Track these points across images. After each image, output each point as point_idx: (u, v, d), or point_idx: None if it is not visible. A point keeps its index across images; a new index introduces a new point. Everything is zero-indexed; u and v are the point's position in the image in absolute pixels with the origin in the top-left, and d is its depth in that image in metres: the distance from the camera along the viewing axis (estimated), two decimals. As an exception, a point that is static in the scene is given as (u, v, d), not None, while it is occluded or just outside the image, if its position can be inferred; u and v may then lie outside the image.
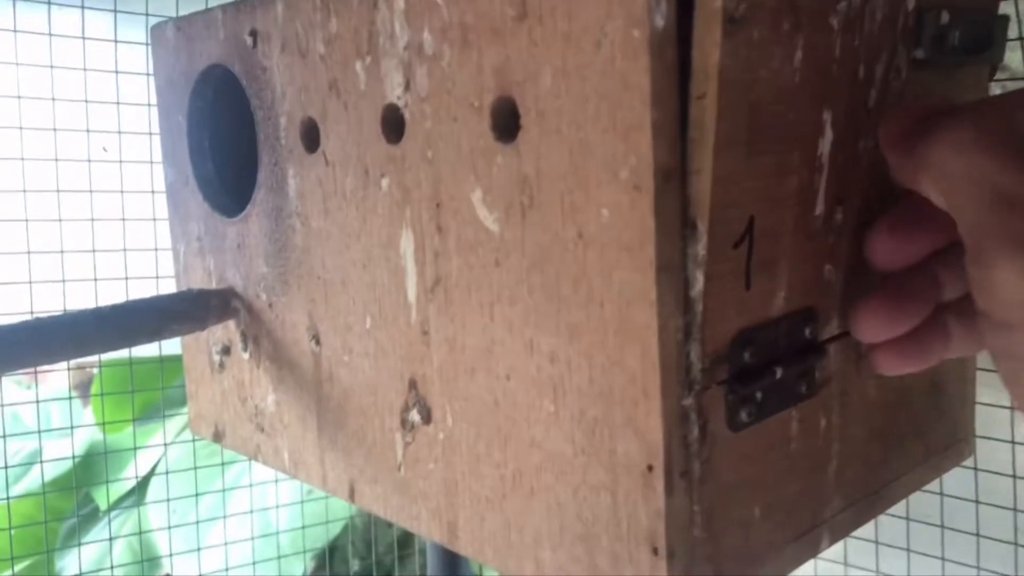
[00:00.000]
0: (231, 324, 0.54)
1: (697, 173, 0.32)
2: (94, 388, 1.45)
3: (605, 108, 0.32)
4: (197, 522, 1.12)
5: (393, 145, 0.41)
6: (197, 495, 1.15)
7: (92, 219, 0.73)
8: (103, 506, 1.33)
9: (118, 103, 0.73)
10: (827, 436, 0.40)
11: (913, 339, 0.37)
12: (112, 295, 0.76)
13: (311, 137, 0.46)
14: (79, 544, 1.25)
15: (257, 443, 0.54)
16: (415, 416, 0.43)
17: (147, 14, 0.72)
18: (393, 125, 0.41)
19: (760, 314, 0.35)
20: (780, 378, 0.36)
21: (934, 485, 0.81)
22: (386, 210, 0.42)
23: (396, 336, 0.43)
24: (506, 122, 0.36)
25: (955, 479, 0.70)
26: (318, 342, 0.48)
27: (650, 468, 0.33)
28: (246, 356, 0.53)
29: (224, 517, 1.20)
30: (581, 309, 0.34)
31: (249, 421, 0.54)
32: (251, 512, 1.21)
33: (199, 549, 1.16)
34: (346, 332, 0.46)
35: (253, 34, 0.48)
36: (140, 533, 1.23)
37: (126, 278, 0.74)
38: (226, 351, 0.55)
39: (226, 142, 0.55)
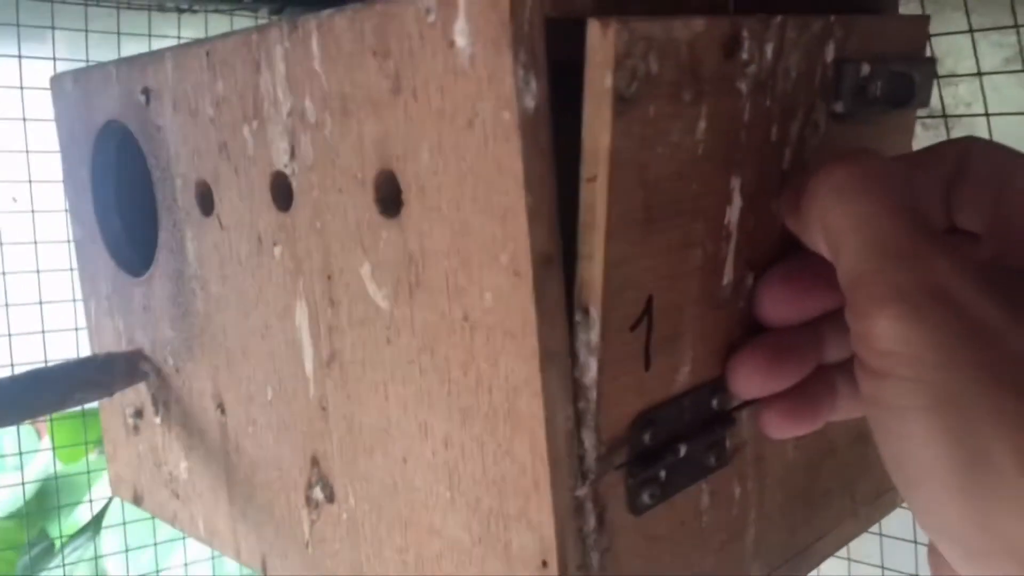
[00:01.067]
0: (142, 387, 0.52)
1: (588, 258, 0.30)
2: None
3: (481, 189, 0.30)
4: (155, 544, 1.10)
5: (283, 213, 0.39)
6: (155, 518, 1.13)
7: (3, 272, 0.71)
8: (58, 536, 1.31)
9: (27, 151, 0.71)
10: (743, 504, 0.39)
11: (797, 398, 0.35)
12: (28, 350, 0.74)
13: (206, 200, 0.44)
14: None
15: (174, 509, 0.52)
16: (319, 494, 0.41)
17: (54, 58, 0.70)
18: (282, 192, 0.39)
19: (661, 392, 0.34)
20: (685, 455, 0.34)
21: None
22: (280, 279, 0.40)
23: (296, 410, 0.41)
24: (389, 196, 0.34)
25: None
26: (223, 411, 0.46)
27: (544, 564, 0.31)
28: (158, 420, 0.51)
29: (184, 538, 1.17)
30: (471, 394, 0.33)
31: (165, 486, 0.52)
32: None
33: (158, 571, 1.14)
34: (249, 402, 0.44)
35: (146, 92, 0.46)
36: (96, 557, 1.20)
37: (43, 331, 0.71)
38: (139, 414, 0.53)
39: (133, 196, 0.53)
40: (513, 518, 0.32)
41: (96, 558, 1.28)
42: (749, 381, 0.35)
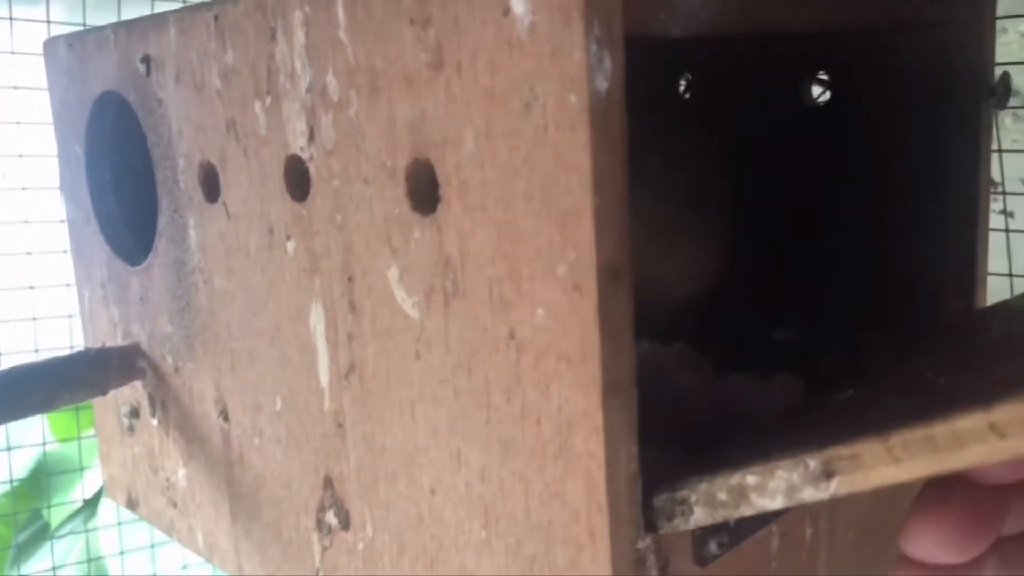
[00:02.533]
0: (139, 384, 0.47)
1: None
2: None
3: (537, 186, 0.25)
4: (152, 546, 1.06)
5: (299, 203, 0.34)
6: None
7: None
8: (53, 523, 1.27)
9: (17, 122, 0.66)
10: (813, 546, 0.34)
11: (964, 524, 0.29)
12: (17, 338, 0.69)
13: (211, 184, 0.39)
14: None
15: (171, 519, 0.48)
16: (332, 519, 0.36)
17: (48, 21, 0.65)
18: (297, 180, 0.34)
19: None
20: (758, 496, 0.30)
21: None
22: (294, 277, 0.35)
23: (309, 424, 0.36)
24: (424, 190, 0.29)
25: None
26: (226, 418, 0.41)
27: (598, 626, 0.27)
28: (155, 422, 0.47)
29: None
30: (515, 424, 0.28)
31: (162, 494, 0.48)
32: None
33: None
34: (255, 411, 0.39)
35: (146, 60, 0.41)
36: (89, 560, 1.17)
37: (34, 319, 0.67)
38: (134, 414, 0.49)
39: (131, 175, 0.48)
40: (562, 569, 0.28)
41: (87, 531, 1.24)
42: (932, 551, 0.28)
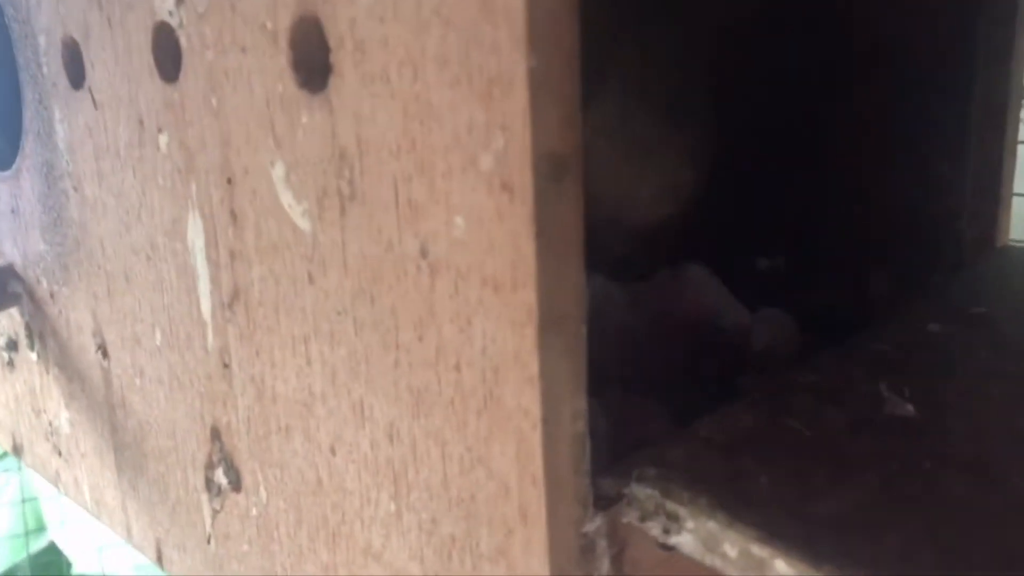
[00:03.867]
0: (16, 313, 0.40)
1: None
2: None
3: (455, 44, 0.18)
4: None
5: (169, 84, 0.27)
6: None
7: None
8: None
9: None
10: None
11: None
12: None
13: (75, 66, 0.31)
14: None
15: (56, 469, 0.41)
16: (221, 478, 0.30)
17: None
18: (168, 53, 0.27)
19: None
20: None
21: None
22: (168, 180, 0.28)
23: (192, 363, 0.30)
24: (312, 57, 0.22)
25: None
26: (105, 354, 0.34)
27: (532, 632, 0.20)
28: (34, 356, 0.40)
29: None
30: (429, 369, 0.21)
31: (46, 439, 0.41)
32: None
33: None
34: (135, 346, 0.32)
35: (-4, -89, 0.33)
36: (24, 500, 1.10)
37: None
38: (12, 346, 0.42)
39: (3, 63, 0.40)
40: (486, 557, 0.21)
41: (20, 470, 1.18)
42: None
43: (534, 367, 0.19)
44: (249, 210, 0.25)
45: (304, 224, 0.23)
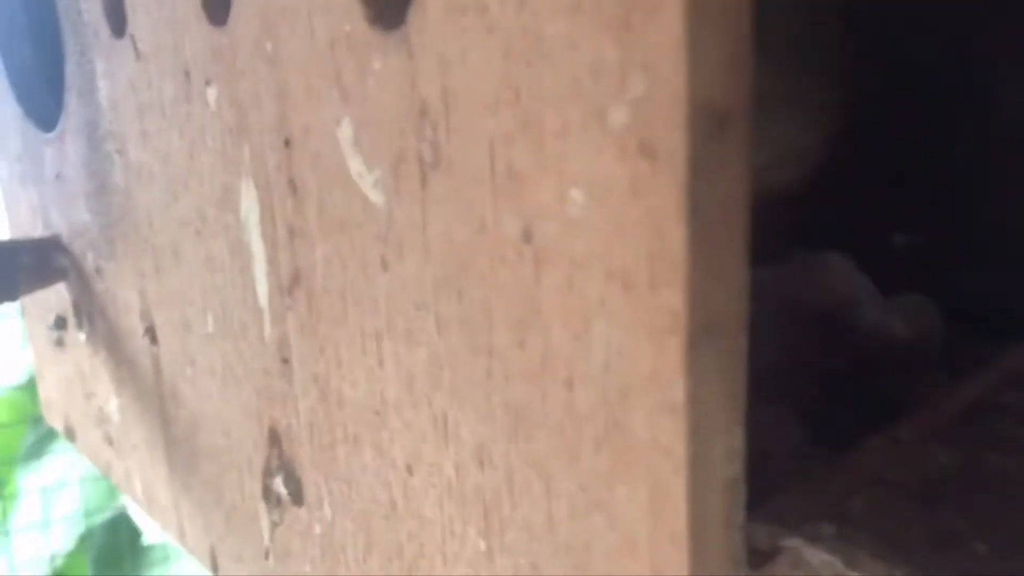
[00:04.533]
0: (63, 288, 0.37)
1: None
2: None
3: (576, -45, 0.14)
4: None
5: (218, 29, 0.23)
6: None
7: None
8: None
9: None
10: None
11: None
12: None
13: (117, 10, 0.27)
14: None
15: (107, 459, 0.38)
16: (281, 488, 0.26)
17: None
18: (215, -9, 0.22)
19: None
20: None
21: None
22: (217, 143, 0.24)
23: (248, 355, 0.25)
24: (387, -13, 0.17)
25: None
26: (154, 339, 0.31)
27: None
28: (82, 337, 0.37)
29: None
30: (531, 383, 0.17)
31: (96, 426, 0.38)
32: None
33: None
34: (185, 332, 0.29)
35: None
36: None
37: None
38: (61, 324, 0.38)
39: (50, 13, 0.37)
40: (604, 623, 0.17)
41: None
42: None
43: (679, 391, 0.14)
44: (311, 178, 0.21)
45: (377, 197, 0.19)
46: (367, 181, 0.19)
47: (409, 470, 0.21)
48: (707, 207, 0.13)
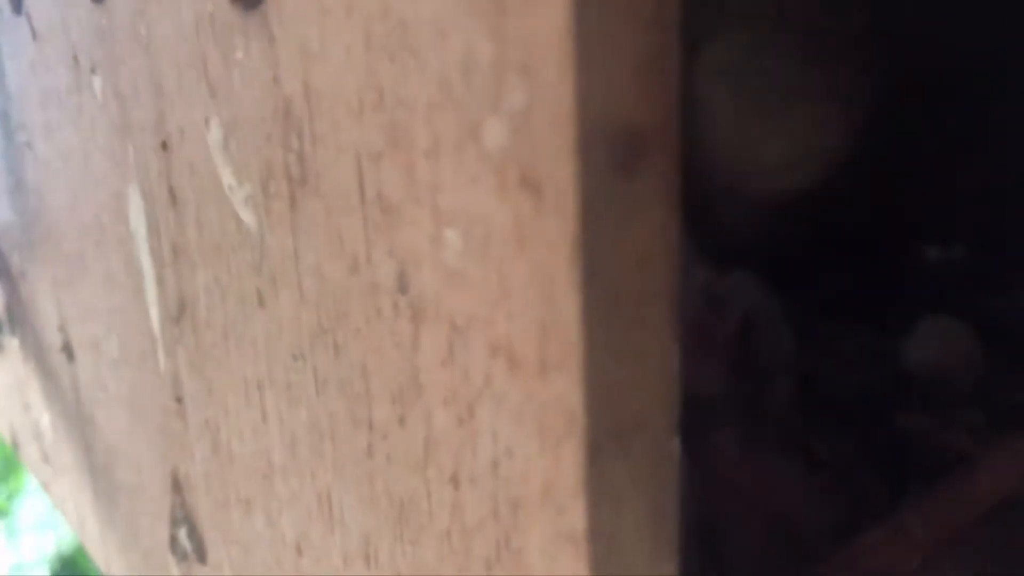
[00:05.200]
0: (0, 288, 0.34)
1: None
2: None
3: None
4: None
5: (98, 6, 0.19)
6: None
7: None
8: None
9: None
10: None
11: None
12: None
13: (16, -18, 0.24)
14: None
15: (46, 477, 0.35)
16: (186, 541, 0.22)
17: None
18: (92, -40, 0.19)
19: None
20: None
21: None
22: (107, 140, 0.20)
23: (147, 387, 0.22)
24: (247, -46, 0.14)
25: None
26: (71, 355, 0.27)
27: None
28: (16, 343, 0.33)
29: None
30: (415, 470, 0.13)
31: (34, 440, 0.35)
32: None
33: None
34: (96, 352, 0.25)
35: None
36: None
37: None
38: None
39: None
40: None
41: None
42: None
43: (578, 516, 0.10)
44: (188, 190, 0.17)
45: (248, 217, 0.15)
46: (238, 197, 0.15)
47: (299, 550, 0.17)
48: (612, 266, 0.09)
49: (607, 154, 0.09)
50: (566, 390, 0.10)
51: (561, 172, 0.09)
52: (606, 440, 0.10)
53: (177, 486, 0.22)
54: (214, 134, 0.16)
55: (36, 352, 0.31)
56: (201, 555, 0.22)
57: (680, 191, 0.10)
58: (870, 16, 0.31)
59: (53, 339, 0.28)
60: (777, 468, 0.27)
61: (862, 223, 0.32)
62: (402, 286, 0.12)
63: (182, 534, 0.22)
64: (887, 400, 0.27)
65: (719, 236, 0.34)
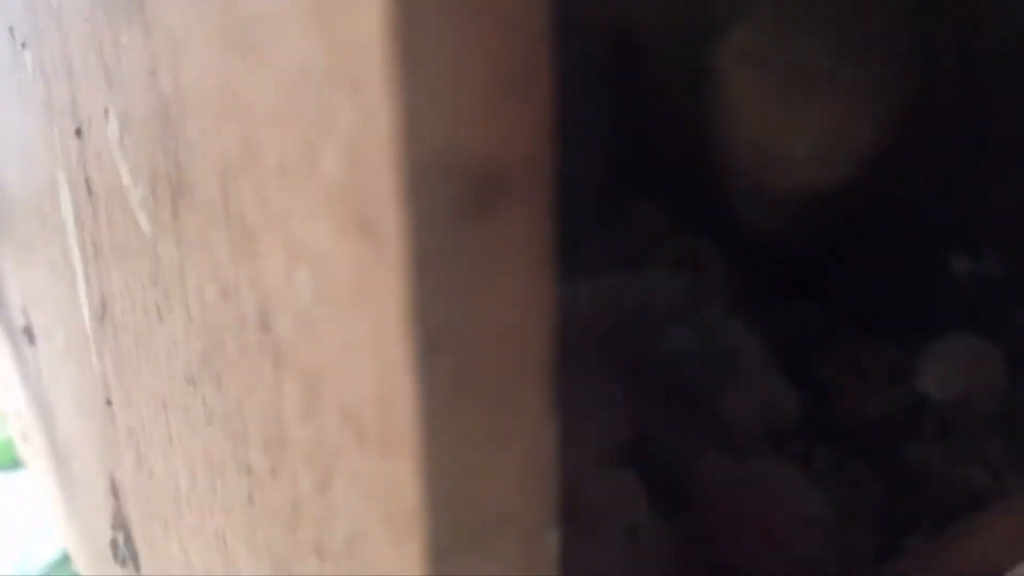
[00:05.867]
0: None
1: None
2: None
3: None
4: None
5: (23, -27, 0.17)
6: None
7: None
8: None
9: None
10: None
11: None
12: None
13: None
14: None
15: (25, 455, 0.34)
16: (123, 546, 0.21)
17: None
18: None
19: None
20: None
21: None
22: (38, 119, 0.19)
23: (86, 383, 0.21)
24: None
25: None
26: (31, 339, 0.26)
27: None
28: (-3, 318, 0.32)
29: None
30: (288, 531, 0.11)
31: (16, 417, 0.34)
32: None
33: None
34: (49, 340, 0.24)
35: None
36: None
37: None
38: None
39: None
40: None
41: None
42: None
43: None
44: (99, 184, 0.16)
45: (143, 221, 0.14)
46: (135, 198, 0.14)
47: (205, 582, 0.15)
48: (460, 332, 0.08)
49: (451, 194, 0.07)
50: (403, 479, 0.08)
51: (392, 215, 0.07)
52: (456, 538, 0.08)
53: (115, 490, 0.20)
54: (112, 126, 0.14)
55: (8, 330, 0.30)
56: (136, 565, 0.20)
57: (552, 238, 0.08)
58: (907, 5, 0.28)
59: (18, 319, 0.27)
60: (777, 486, 0.25)
61: (886, 227, 0.29)
62: (264, 323, 0.10)
63: (120, 539, 0.21)
64: (898, 425, 0.24)
65: (739, 236, 0.32)
